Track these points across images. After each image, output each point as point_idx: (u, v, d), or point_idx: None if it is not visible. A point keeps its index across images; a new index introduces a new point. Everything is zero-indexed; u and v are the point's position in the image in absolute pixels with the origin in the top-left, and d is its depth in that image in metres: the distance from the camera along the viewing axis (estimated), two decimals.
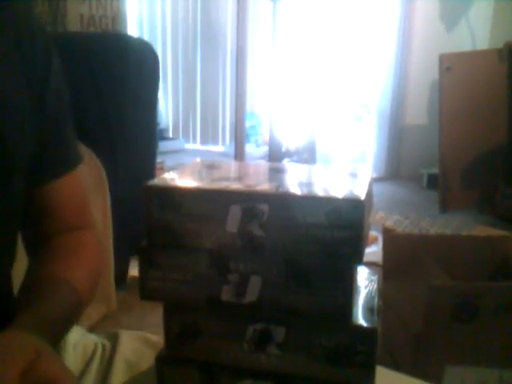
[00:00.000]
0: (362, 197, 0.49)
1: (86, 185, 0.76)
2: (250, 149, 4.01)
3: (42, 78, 0.64)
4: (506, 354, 0.96)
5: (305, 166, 0.73)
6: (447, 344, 0.94)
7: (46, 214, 0.69)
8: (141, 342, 0.79)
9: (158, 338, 0.81)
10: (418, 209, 3.16)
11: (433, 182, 3.54)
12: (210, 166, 0.65)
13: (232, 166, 0.73)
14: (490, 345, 0.95)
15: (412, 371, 0.94)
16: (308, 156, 3.63)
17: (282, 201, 0.50)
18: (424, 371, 0.92)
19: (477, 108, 2.86)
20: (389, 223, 2.20)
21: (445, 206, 2.91)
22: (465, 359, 0.96)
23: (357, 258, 0.50)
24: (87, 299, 0.66)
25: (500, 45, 2.94)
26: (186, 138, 4.92)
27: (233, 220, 0.51)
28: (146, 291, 0.55)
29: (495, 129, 2.89)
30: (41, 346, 0.48)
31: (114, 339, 0.79)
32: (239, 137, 2.83)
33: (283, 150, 3.48)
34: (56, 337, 0.57)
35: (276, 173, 0.64)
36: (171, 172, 0.59)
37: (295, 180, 0.60)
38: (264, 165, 0.70)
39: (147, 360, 0.71)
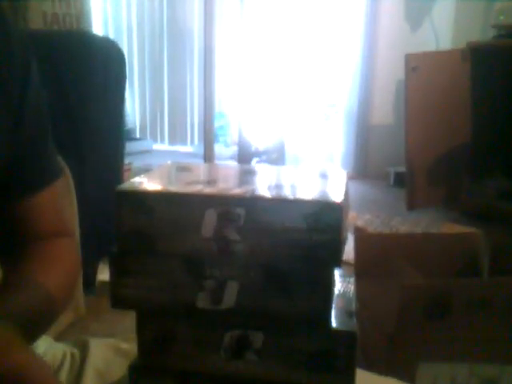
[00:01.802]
0: (340, 200, 0.48)
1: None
2: (219, 149, 3.99)
3: (19, 92, 0.63)
4: (476, 348, 0.97)
5: (276, 168, 0.72)
6: (420, 342, 0.95)
7: (22, 226, 0.68)
8: (111, 350, 0.77)
9: (129, 346, 0.79)
10: (386, 207, 3.21)
11: (399, 180, 3.59)
12: (182, 169, 0.64)
13: (203, 169, 0.72)
14: (462, 340, 0.97)
15: (385, 370, 0.95)
16: (277, 156, 3.64)
17: (259, 204, 0.49)
18: (397, 369, 0.93)
19: (442, 107, 2.92)
20: (360, 223, 2.22)
21: (412, 204, 2.96)
22: (437, 355, 0.97)
23: (335, 261, 0.49)
24: (61, 305, 0.65)
25: (463, 44, 3.00)
26: (154, 138, 4.86)
27: (208, 225, 0.50)
28: (118, 299, 0.53)
29: (460, 128, 2.95)
30: (10, 333, 0.46)
31: (83, 347, 0.77)
32: (208, 137, 2.81)
33: (252, 150, 3.48)
34: (24, 335, 0.55)
35: (248, 175, 0.63)
36: (142, 175, 0.58)
37: (270, 183, 0.59)
38: (235, 167, 0.69)
39: (118, 369, 0.69)
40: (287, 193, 0.53)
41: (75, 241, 0.76)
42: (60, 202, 0.73)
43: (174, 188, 0.53)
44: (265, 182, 0.60)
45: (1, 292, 0.57)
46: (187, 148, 4.74)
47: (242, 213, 0.49)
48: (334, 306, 0.53)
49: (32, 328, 0.57)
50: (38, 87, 0.67)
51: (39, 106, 0.68)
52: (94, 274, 1.59)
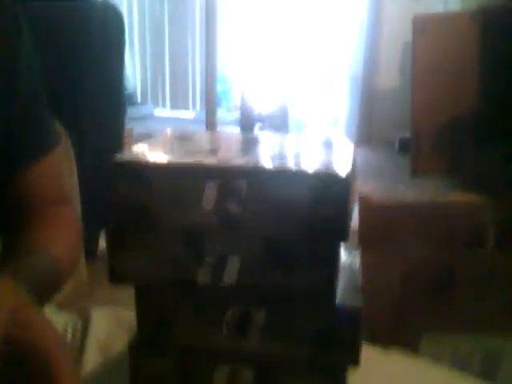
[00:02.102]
0: (347, 171, 0.46)
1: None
2: (221, 114, 3.94)
3: (11, 54, 0.62)
4: (479, 320, 0.97)
5: (280, 136, 0.70)
6: (424, 313, 0.94)
7: (24, 195, 0.67)
8: (113, 320, 0.77)
9: (131, 315, 0.78)
10: (390, 174, 3.18)
11: (404, 145, 3.55)
12: (182, 138, 0.61)
13: (205, 137, 0.69)
14: (466, 312, 0.96)
15: (389, 341, 0.94)
16: (280, 121, 3.59)
17: (261, 176, 0.47)
18: (401, 340, 0.93)
19: (449, 71, 2.85)
20: (364, 191, 2.18)
21: (416, 170, 2.93)
22: (441, 327, 0.96)
23: (341, 235, 0.47)
24: (68, 270, 0.65)
25: (471, 6, 2.91)
26: (155, 102, 4.80)
27: (208, 197, 0.48)
28: (116, 274, 0.52)
29: (467, 92, 2.89)
30: (24, 296, 0.46)
31: (85, 318, 0.77)
32: (210, 103, 2.76)
33: (255, 115, 3.43)
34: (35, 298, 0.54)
35: (251, 144, 0.61)
36: (141, 145, 0.55)
37: (274, 152, 0.56)
38: (237, 135, 0.67)
39: (120, 341, 0.69)
40: (291, 164, 0.50)
41: (75, 208, 0.76)
42: (60, 169, 0.72)
43: (173, 159, 0.51)
44: (268, 152, 0.58)
45: (8, 258, 0.57)
46: (189, 113, 4.68)
47: (244, 185, 0.47)
48: (339, 280, 0.52)
49: (42, 292, 0.56)
50: (30, 53, 0.65)
51: (33, 73, 0.66)
52: (96, 242, 1.58)
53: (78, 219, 0.76)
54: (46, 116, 0.69)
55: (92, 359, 0.70)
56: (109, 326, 0.76)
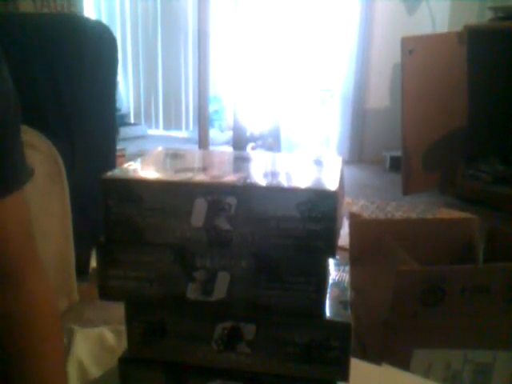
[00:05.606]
0: (335, 188, 0.47)
1: (42, 174, 0.68)
2: (214, 134, 3.96)
3: None
4: (470, 334, 0.97)
5: (271, 154, 0.71)
6: (415, 328, 0.94)
7: None
8: (96, 343, 0.76)
9: (117, 338, 0.78)
10: (381, 191, 3.20)
11: (395, 164, 3.58)
12: (174, 156, 0.62)
13: (196, 155, 0.70)
14: (456, 327, 0.96)
15: (380, 356, 0.94)
16: (272, 141, 3.61)
17: (250, 193, 0.47)
18: (392, 356, 0.92)
19: (438, 91, 2.89)
20: (355, 208, 2.19)
21: (408, 188, 2.95)
22: (432, 342, 0.96)
23: (330, 251, 0.47)
24: None
25: (459, 27, 2.97)
26: (148, 123, 4.81)
27: (198, 214, 0.48)
28: (106, 291, 0.52)
29: (456, 111, 2.93)
30: None
31: (68, 338, 0.77)
32: (203, 122, 2.77)
33: (248, 134, 3.45)
34: None
35: (242, 162, 0.61)
36: (132, 162, 0.56)
37: (263, 170, 0.57)
38: (229, 153, 0.67)
39: (101, 365, 0.68)
40: (280, 181, 0.51)
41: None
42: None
43: (163, 176, 0.51)
44: (258, 170, 0.58)
45: None
46: (182, 133, 4.70)
47: (233, 201, 0.48)
48: (328, 295, 0.52)
49: None
50: (8, 84, 0.55)
51: (9, 101, 0.54)
52: (88, 260, 1.57)
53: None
54: (18, 149, 0.56)
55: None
56: (91, 348, 0.75)
